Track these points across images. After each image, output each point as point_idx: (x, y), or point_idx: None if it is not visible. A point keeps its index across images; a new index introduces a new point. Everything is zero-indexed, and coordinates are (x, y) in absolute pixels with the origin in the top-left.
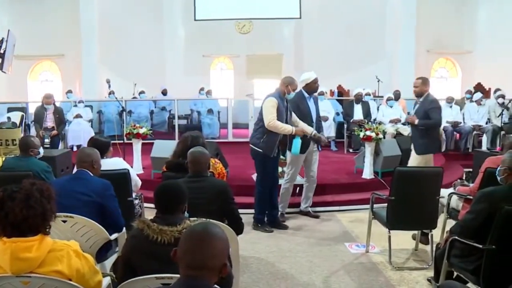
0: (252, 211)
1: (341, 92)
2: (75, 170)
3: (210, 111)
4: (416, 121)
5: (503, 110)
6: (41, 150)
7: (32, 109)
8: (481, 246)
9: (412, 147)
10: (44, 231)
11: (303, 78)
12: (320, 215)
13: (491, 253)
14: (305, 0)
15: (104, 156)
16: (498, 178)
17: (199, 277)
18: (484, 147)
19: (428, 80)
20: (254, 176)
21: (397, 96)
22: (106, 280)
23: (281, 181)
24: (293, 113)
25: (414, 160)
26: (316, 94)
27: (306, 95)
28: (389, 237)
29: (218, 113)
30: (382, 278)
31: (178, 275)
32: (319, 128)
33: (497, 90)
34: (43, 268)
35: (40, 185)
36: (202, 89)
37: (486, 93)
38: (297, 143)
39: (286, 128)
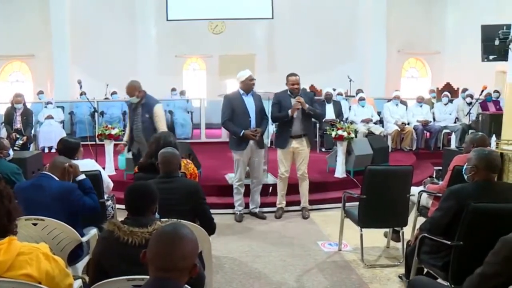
0: (225, 211)
1: (314, 91)
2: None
3: (183, 111)
4: (307, 106)
5: (470, 109)
6: (11, 152)
7: (2, 110)
8: (449, 242)
9: (305, 142)
10: (12, 231)
11: (237, 76)
12: (290, 214)
13: (459, 249)
14: (277, 1)
15: (75, 157)
16: (465, 176)
17: (169, 278)
18: (453, 146)
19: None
20: (227, 176)
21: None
22: (78, 283)
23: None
24: (156, 122)
25: (307, 153)
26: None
27: (241, 92)
28: (361, 235)
29: (191, 113)
30: (354, 276)
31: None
32: (260, 125)
33: (464, 90)
34: (11, 272)
35: None
36: (173, 89)
37: (454, 93)
38: (121, 158)
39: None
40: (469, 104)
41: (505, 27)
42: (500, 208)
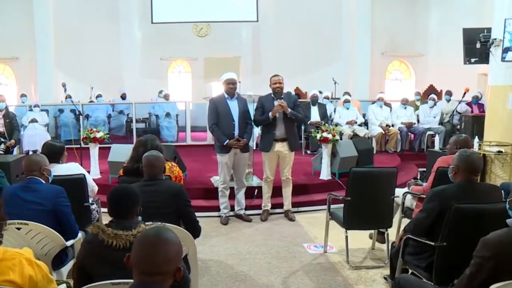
0: (211, 213)
1: (299, 94)
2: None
3: (168, 115)
4: (289, 110)
5: (453, 111)
6: None
7: None
8: (433, 243)
9: (287, 146)
10: None
11: (220, 78)
12: (276, 217)
13: (443, 249)
14: (262, 3)
15: (59, 161)
16: (450, 177)
17: (153, 282)
18: (437, 147)
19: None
20: (212, 179)
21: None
22: (62, 287)
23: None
24: None
25: (291, 157)
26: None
27: (226, 96)
28: (346, 237)
29: (176, 116)
30: (340, 278)
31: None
32: (244, 128)
33: (448, 92)
34: None
35: None
36: (161, 91)
37: (438, 95)
38: None
39: None
40: (457, 107)
41: (485, 31)
42: (481, 208)
